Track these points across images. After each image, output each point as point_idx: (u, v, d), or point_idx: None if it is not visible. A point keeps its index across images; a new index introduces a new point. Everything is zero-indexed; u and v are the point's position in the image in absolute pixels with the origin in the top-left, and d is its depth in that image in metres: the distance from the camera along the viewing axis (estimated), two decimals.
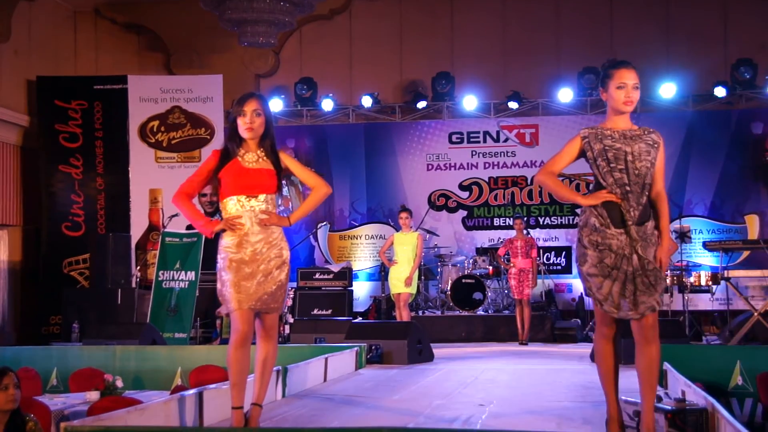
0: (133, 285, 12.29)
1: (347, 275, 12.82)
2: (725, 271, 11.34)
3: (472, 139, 14.67)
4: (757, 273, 11.51)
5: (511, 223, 13.35)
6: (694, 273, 12.19)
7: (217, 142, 13.90)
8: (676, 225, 12.80)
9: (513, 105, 14.30)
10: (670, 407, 4.50)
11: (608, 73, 4.20)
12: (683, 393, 4.99)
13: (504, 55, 14.76)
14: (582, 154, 4.18)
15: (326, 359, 7.15)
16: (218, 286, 4.55)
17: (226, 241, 4.51)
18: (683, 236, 12.62)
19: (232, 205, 4.52)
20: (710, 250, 12.14)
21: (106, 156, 13.79)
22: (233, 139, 4.59)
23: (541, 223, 14.32)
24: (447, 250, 13.62)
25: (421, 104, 14.56)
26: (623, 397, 4.51)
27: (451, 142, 14.70)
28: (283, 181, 4.69)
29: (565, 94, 14.01)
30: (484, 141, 14.62)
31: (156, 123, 13.87)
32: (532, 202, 14.38)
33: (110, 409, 4.60)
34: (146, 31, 15.31)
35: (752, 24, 14.10)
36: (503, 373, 7.77)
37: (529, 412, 5.30)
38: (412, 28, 15.10)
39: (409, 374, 7.63)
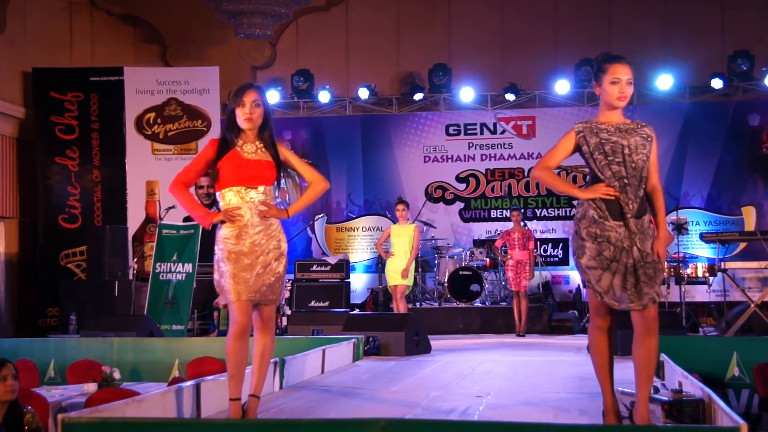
0: (131, 277, 12.28)
1: (344, 267, 12.82)
2: (722, 263, 11.36)
3: (469, 131, 14.66)
4: (754, 264, 11.53)
5: (508, 215, 13.35)
6: (691, 265, 12.21)
7: (214, 134, 13.88)
8: (673, 217, 12.82)
9: (510, 97, 14.29)
10: (667, 398, 4.51)
11: (602, 67, 4.20)
12: (680, 384, 5.00)
13: (501, 47, 14.74)
14: (577, 148, 4.19)
15: (324, 351, 7.15)
16: (215, 276, 4.53)
17: (225, 233, 4.49)
18: (680, 228, 12.63)
19: (231, 196, 4.50)
20: (707, 242, 12.16)
21: (103, 148, 13.76)
22: (231, 129, 4.56)
23: (538, 215, 14.33)
24: (444, 242, 13.63)
25: (418, 96, 14.54)
26: (619, 388, 4.52)
27: (448, 134, 14.69)
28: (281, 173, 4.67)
29: (562, 86, 14.00)
30: (481, 133, 14.61)
31: (152, 115, 13.84)
32: (529, 194, 14.38)
33: (108, 401, 4.60)
34: (142, 22, 15.26)
35: (749, 16, 14.10)
36: (500, 364, 7.79)
37: (526, 403, 5.31)
38: (409, 19, 15.08)
39: (407, 366, 7.64)
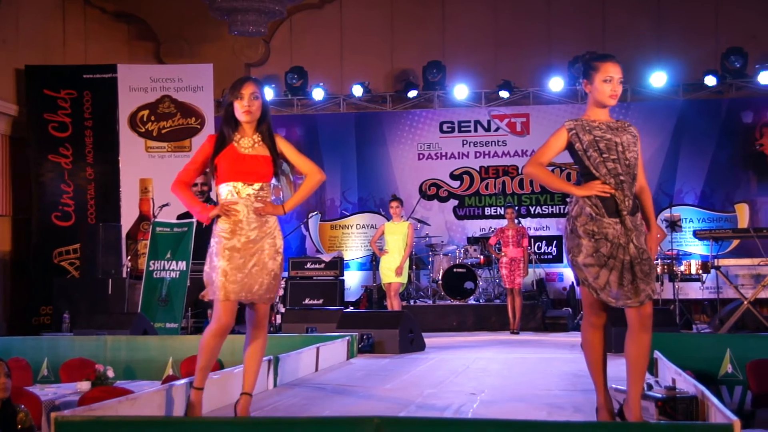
0: (124, 275, 12.25)
1: (338, 265, 12.82)
2: (715, 260, 11.38)
3: (463, 129, 14.66)
4: (747, 261, 11.56)
5: (502, 213, 13.37)
6: (684, 262, 12.24)
7: (208, 131, 13.86)
8: (666, 214, 12.84)
9: (504, 94, 14.29)
10: (660, 395, 4.52)
11: (594, 65, 4.21)
12: (673, 381, 5.01)
13: (495, 44, 14.75)
14: (569, 146, 4.19)
15: (318, 349, 7.15)
16: (206, 269, 4.48)
17: (221, 227, 4.46)
18: (674, 225, 12.65)
19: (227, 191, 4.47)
20: (700, 239, 12.18)
21: (96, 145, 13.73)
22: (229, 123, 4.53)
23: (532, 212, 14.34)
24: (438, 239, 13.63)
25: (412, 93, 14.54)
26: (613, 386, 4.53)
27: (441, 131, 14.69)
28: None
29: (556, 84, 14.01)
30: (475, 130, 14.62)
31: (146, 112, 13.82)
32: (523, 192, 14.39)
33: (101, 399, 4.58)
34: (136, 20, 15.23)
35: (743, 14, 14.12)
36: (494, 362, 7.79)
37: (520, 400, 5.31)
38: (403, 17, 15.07)
39: (401, 363, 7.64)
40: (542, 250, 14.10)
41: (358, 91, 14.52)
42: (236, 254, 4.42)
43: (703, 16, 14.28)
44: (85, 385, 6.19)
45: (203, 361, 4.47)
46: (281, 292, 12.20)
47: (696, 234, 12.04)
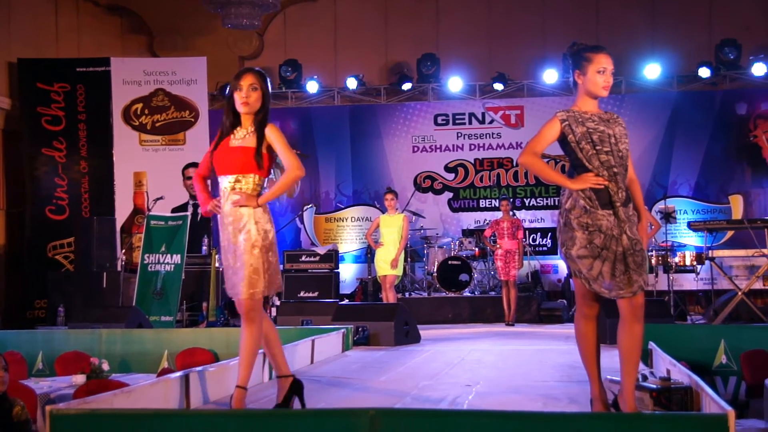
0: (119, 268, 12.25)
1: (333, 257, 12.82)
2: (710, 251, 11.40)
3: (457, 121, 14.65)
4: (741, 252, 11.59)
5: (496, 205, 13.38)
6: (678, 253, 12.26)
7: (202, 124, 13.84)
8: (660, 205, 12.86)
9: (498, 86, 14.29)
10: (655, 386, 4.53)
11: (586, 56, 4.21)
12: (668, 372, 5.03)
13: (489, 36, 14.73)
14: (561, 137, 4.18)
15: (313, 341, 7.15)
16: None
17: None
18: (668, 217, 12.67)
19: (221, 185, 4.50)
20: (695, 231, 12.20)
21: (90, 139, 13.70)
22: (227, 115, 4.53)
23: (526, 204, 14.35)
24: (433, 232, 13.64)
25: (407, 86, 14.53)
26: (608, 377, 4.53)
27: (436, 123, 14.68)
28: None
29: (550, 76, 14.01)
30: (470, 123, 14.61)
31: (140, 106, 13.79)
32: (517, 184, 14.40)
33: (96, 393, 4.58)
34: (129, 13, 15.18)
35: (737, 5, 14.13)
36: (489, 354, 7.80)
37: (516, 392, 5.32)
38: (397, 9, 15.05)
39: (396, 356, 7.65)
40: (537, 242, 14.12)
41: (352, 83, 14.50)
42: (226, 254, 4.49)
43: (696, 8, 14.28)
44: (80, 379, 6.19)
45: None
46: (277, 285, 12.19)
47: (690, 225, 12.06)
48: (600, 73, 4.17)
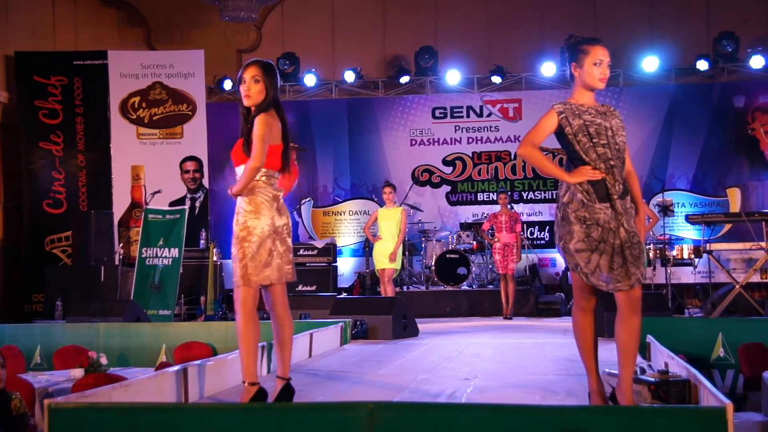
0: (117, 262, 12.25)
1: (331, 251, 12.82)
2: (707, 244, 11.41)
3: (455, 114, 14.64)
4: (739, 246, 11.58)
5: (494, 198, 13.37)
6: (676, 246, 12.26)
7: (199, 117, 13.82)
8: (658, 198, 12.86)
9: (496, 79, 14.27)
10: (653, 379, 4.54)
11: (583, 48, 4.21)
12: (666, 365, 5.03)
13: (487, 29, 14.71)
14: (558, 129, 4.17)
15: (311, 335, 7.15)
16: None
17: None
18: (666, 210, 12.67)
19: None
20: (692, 224, 12.21)
21: (87, 132, 13.67)
22: (242, 108, 4.50)
23: (524, 197, 14.34)
24: (431, 225, 13.63)
25: (404, 79, 14.51)
26: (606, 370, 4.54)
27: (434, 117, 14.67)
28: None
29: (548, 69, 14.00)
30: (468, 116, 14.60)
31: (137, 99, 13.76)
32: (515, 177, 14.39)
33: (94, 386, 4.58)
34: (126, 5, 15.14)
35: None
36: (488, 347, 7.81)
37: (514, 385, 5.32)
38: (395, 2, 15.02)
39: (394, 349, 7.65)
40: (535, 236, 14.12)
41: (350, 77, 14.48)
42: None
43: (694, 0, 14.26)
44: (78, 372, 6.19)
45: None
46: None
47: (688, 218, 12.07)
48: (597, 65, 4.16)
